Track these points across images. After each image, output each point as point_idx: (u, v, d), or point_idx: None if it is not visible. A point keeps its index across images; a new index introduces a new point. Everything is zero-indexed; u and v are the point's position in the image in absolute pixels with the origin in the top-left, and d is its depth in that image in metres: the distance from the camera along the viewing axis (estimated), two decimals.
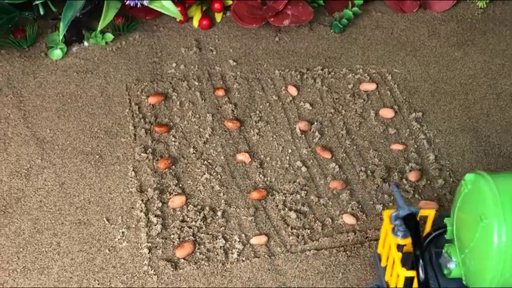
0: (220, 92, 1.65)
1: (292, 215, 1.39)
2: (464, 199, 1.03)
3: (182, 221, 1.38)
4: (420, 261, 0.98)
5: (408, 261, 1.05)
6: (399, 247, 1.07)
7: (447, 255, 1.06)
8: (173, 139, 1.54)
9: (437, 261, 1.09)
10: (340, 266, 1.32)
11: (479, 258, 0.98)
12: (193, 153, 1.52)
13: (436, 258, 1.09)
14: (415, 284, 1.03)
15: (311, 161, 1.51)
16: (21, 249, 1.31)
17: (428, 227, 1.12)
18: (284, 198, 1.43)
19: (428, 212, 1.11)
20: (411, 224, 1.03)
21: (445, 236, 1.09)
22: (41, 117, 1.57)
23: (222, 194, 1.44)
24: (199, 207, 1.40)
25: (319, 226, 1.38)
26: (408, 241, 1.06)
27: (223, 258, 1.32)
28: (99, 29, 1.63)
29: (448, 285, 1.07)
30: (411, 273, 1.02)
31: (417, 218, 1.04)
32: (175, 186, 1.44)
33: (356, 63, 1.78)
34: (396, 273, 1.05)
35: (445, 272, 1.07)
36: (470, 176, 1.03)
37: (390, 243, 1.07)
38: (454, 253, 1.05)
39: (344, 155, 1.53)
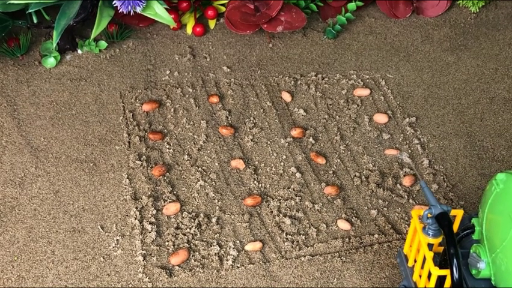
0: (214, 99, 1.66)
1: (287, 221, 1.39)
2: (495, 199, 1.01)
3: (177, 228, 1.38)
4: (455, 260, 0.96)
5: (435, 260, 1.03)
6: (430, 246, 1.05)
7: (476, 255, 1.04)
8: (167, 146, 1.54)
9: (464, 261, 1.06)
10: (335, 272, 1.31)
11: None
12: (188, 160, 1.52)
13: (462, 258, 1.05)
14: (446, 283, 1.01)
15: (305, 166, 1.52)
16: (15, 258, 1.31)
17: (455, 227, 1.10)
18: (279, 204, 1.43)
19: (456, 211, 1.09)
20: (444, 222, 1.00)
21: (472, 236, 1.07)
22: (35, 125, 1.57)
23: (216, 200, 1.44)
24: (194, 214, 1.40)
25: (314, 232, 1.38)
26: (438, 240, 1.04)
27: (218, 265, 1.32)
28: (92, 36, 1.64)
29: (475, 285, 1.04)
30: (445, 272, 1.00)
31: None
32: (170, 193, 1.44)
33: (350, 68, 1.78)
34: (427, 272, 1.02)
35: (473, 272, 1.04)
36: (501, 175, 1.01)
37: (421, 242, 1.05)
38: (483, 253, 1.02)
39: (338, 160, 1.54)
